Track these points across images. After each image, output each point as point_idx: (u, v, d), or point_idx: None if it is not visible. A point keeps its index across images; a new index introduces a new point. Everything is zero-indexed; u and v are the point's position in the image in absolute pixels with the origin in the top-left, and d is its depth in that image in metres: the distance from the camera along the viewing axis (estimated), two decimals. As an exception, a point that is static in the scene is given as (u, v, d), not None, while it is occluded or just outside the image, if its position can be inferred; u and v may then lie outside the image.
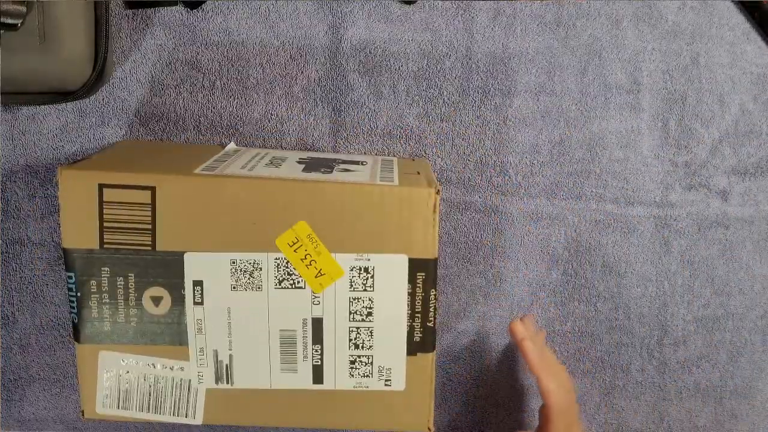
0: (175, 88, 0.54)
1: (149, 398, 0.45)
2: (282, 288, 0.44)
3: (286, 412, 0.46)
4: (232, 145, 0.53)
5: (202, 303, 0.44)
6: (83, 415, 0.46)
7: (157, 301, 0.44)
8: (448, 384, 0.59)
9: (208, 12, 0.53)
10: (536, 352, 0.50)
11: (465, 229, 0.57)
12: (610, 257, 0.58)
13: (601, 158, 0.57)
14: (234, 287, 0.44)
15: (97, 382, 0.45)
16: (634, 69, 0.56)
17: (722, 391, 0.61)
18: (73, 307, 0.44)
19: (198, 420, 0.46)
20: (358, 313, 0.45)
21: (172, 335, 0.45)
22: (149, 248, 0.43)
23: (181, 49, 0.53)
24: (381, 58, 0.54)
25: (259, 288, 0.44)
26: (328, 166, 0.48)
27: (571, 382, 0.51)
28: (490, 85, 0.55)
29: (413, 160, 0.55)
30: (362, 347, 0.45)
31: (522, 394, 0.60)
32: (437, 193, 0.43)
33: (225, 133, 0.55)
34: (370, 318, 0.45)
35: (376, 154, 0.56)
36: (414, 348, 0.45)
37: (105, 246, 0.43)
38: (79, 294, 0.44)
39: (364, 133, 0.55)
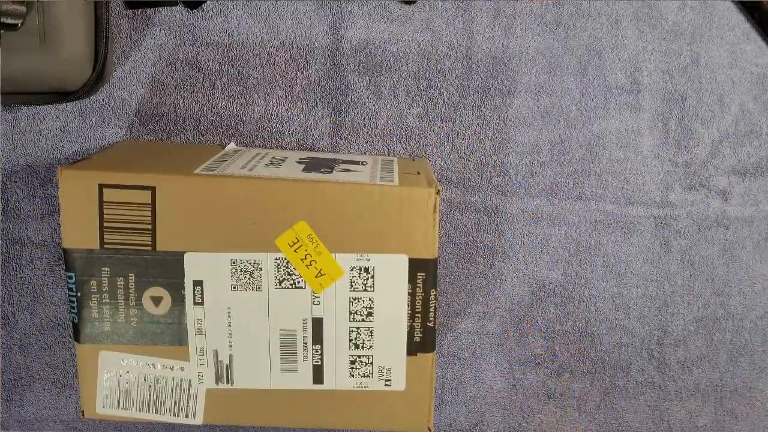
0: (175, 88, 0.54)
1: (149, 398, 0.45)
2: (282, 288, 0.44)
3: (286, 412, 0.46)
4: (232, 145, 0.53)
5: (202, 303, 0.44)
6: (83, 415, 0.46)
7: (157, 301, 0.44)
8: (448, 384, 0.59)
9: (208, 12, 0.53)
10: None
11: (465, 229, 0.57)
12: (610, 257, 0.58)
13: (601, 158, 0.57)
14: (234, 287, 0.44)
15: (97, 382, 0.45)
16: (634, 69, 0.56)
17: (722, 391, 0.61)
18: (73, 307, 0.44)
19: (198, 420, 0.46)
20: (358, 313, 0.45)
21: (172, 335, 0.45)
22: (149, 248, 0.43)
23: (181, 49, 0.53)
24: (381, 58, 0.54)
25: (259, 288, 0.44)
26: (328, 166, 0.48)
27: None
28: (490, 85, 0.55)
29: (413, 160, 0.55)
30: (362, 347, 0.45)
31: (522, 394, 0.60)
32: (437, 193, 0.43)
33: (225, 133, 0.55)
34: (371, 318, 0.45)
35: (376, 154, 0.56)
36: (414, 348, 0.45)
37: (105, 246, 0.43)
38: (79, 294, 0.44)
39: (364, 133, 0.55)
